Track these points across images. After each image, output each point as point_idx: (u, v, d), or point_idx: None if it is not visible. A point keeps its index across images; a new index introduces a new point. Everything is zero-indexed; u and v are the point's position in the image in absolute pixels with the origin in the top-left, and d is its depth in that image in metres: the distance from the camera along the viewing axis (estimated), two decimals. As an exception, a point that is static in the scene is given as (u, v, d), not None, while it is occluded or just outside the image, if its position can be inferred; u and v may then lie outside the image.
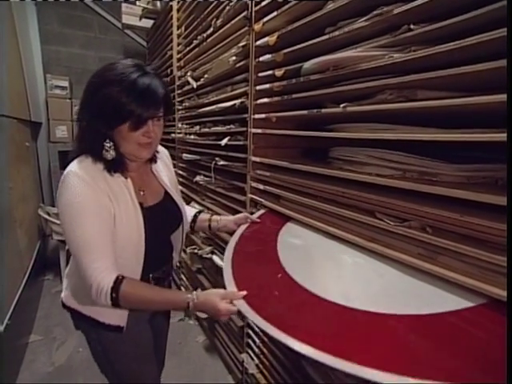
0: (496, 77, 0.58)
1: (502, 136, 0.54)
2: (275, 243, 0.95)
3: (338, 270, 0.82)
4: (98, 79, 0.75)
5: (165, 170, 1.01)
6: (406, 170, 0.76)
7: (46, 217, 2.46)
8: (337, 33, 0.84)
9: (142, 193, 0.88)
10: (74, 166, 0.77)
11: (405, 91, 0.72)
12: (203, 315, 1.84)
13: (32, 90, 2.63)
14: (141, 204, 0.85)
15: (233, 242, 0.98)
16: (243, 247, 0.95)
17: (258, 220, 1.12)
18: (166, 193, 0.97)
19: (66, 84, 2.93)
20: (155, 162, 0.97)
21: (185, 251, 2.13)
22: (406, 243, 0.75)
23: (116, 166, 0.81)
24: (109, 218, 0.78)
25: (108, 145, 0.77)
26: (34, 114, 2.65)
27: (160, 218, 0.92)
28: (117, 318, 0.88)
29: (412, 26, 0.67)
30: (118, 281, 0.75)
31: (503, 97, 0.53)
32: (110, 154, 0.78)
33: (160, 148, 1.03)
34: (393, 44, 0.73)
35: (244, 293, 0.69)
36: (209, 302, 0.72)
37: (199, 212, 1.15)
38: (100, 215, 0.76)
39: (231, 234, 1.08)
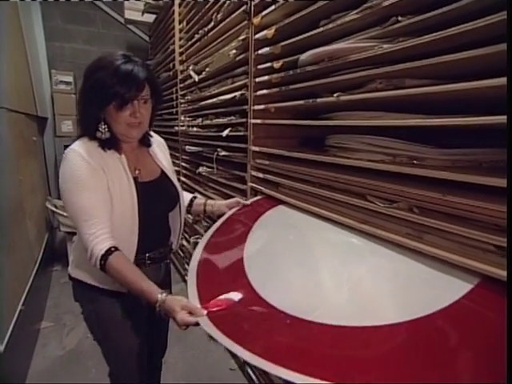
0: (479, 64, 0.62)
1: (493, 119, 0.57)
2: (244, 245, 0.97)
3: (308, 271, 0.82)
4: (90, 67, 0.85)
5: (161, 154, 1.07)
6: (396, 155, 0.81)
7: (54, 209, 2.53)
8: (330, 25, 0.88)
9: (137, 171, 0.95)
10: (73, 145, 0.87)
11: (393, 80, 0.77)
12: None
13: (38, 85, 2.69)
14: (135, 179, 0.92)
15: (205, 238, 1.03)
16: (212, 250, 0.98)
17: (248, 202, 1.19)
18: (163, 172, 1.03)
19: (70, 79, 2.99)
20: (150, 145, 1.03)
21: (188, 241, 2.19)
22: (395, 224, 0.79)
23: (109, 143, 0.89)
24: (104, 191, 0.86)
25: (102, 127, 0.87)
26: (41, 109, 2.71)
27: (155, 194, 0.98)
28: (118, 284, 0.92)
29: (399, 18, 0.71)
30: (109, 251, 0.81)
31: (487, 82, 0.57)
32: (105, 135, 0.88)
33: (156, 136, 1.10)
34: (382, 35, 0.77)
35: (205, 312, 0.69)
36: (170, 309, 0.72)
37: (195, 197, 1.23)
38: (96, 187, 0.84)
39: None
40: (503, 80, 0.54)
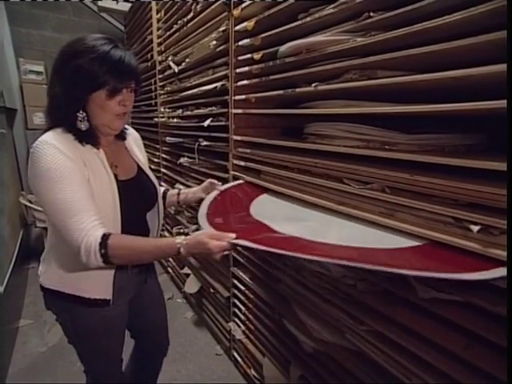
0: (441, 58, 0.69)
1: (455, 106, 0.64)
2: (249, 206, 1.07)
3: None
4: (68, 50, 0.77)
5: (137, 149, 1.03)
6: (370, 141, 0.87)
7: (29, 204, 2.45)
8: (308, 19, 0.92)
9: (115, 167, 0.89)
10: (43, 137, 0.77)
11: (367, 71, 0.83)
12: (193, 290, 1.94)
13: (3, 74, 2.53)
14: (115, 176, 0.86)
15: (207, 201, 1.06)
16: (217, 206, 1.03)
17: (222, 188, 1.17)
18: (140, 169, 0.98)
19: (41, 69, 2.85)
20: (125, 138, 0.99)
21: (171, 232, 2.20)
22: (370, 204, 0.86)
23: (88, 136, 0.82)
24: (86, 183, 0.79)
25: (81, 115, 0.79)
26: (8, 99, 2.56)
27: (135, 193, 0.92)
28: (102, 291, 0.88)
29: (371, 14, 0.77)
30: (105, 236, 0.75)
31: (449, 73, 0.63)
32: (84, 125, 0.80)
33: (132, 130, 1.07)
34: (356, 29, 0.83)
35: (233, 235, 0.71)
36: (200, 243, 0.72)
37: (167, 189, 1.20)
38: (78, 179, 0.76)
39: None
40: (461, 71, 0.61)
